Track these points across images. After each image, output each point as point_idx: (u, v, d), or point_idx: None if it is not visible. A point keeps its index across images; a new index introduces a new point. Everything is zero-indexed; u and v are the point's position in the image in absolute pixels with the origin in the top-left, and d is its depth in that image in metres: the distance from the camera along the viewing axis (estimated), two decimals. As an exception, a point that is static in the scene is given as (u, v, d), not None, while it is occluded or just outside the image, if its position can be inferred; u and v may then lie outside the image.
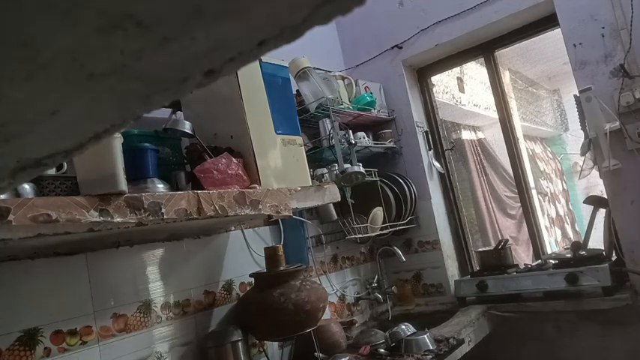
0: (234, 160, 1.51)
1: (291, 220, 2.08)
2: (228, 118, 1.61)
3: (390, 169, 2.66)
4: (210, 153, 1.52)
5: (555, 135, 5.74)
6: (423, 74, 2.81)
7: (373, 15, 2.69)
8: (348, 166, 2.12)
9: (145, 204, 1.15)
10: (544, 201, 4.76)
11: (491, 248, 2.55)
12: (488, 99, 2.82)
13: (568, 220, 5.36)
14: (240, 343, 1.64)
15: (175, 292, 1.66)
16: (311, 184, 1.76)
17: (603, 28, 2.06)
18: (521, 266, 2.48)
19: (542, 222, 3.00)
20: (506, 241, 2.55)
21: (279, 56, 1.80)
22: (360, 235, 2.29)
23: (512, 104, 3.01)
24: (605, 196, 2.17)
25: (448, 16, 2.48)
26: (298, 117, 1.87)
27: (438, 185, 2.73)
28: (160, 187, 1.34)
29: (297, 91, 2.18)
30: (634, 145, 2.00)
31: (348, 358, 1.83)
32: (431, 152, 2.69)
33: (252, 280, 1.83)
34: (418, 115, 2.73)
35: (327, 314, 2.16)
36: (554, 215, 5.02)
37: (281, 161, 1.66)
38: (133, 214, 1.12)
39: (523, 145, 3.20)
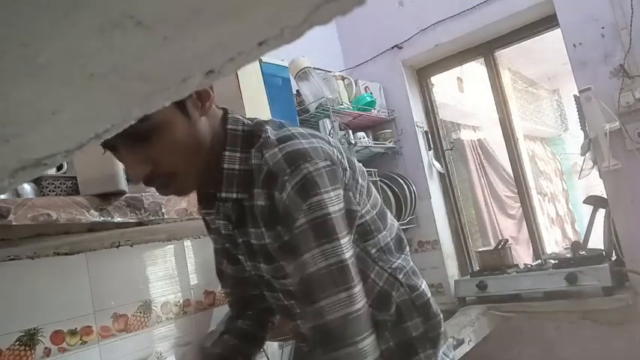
0: (234, 160, 1.51)
1: (291, 220, 2.08)
2: (228, 118, 1.61)
3: (390, 169, 2.66)
4: (210, 153, 1.52)
5: (555, 135, 5.74)
6: (423, 74, 2.81)
7: (373, 15, 2.69)
8: (348, 166, 2.12)
9: (145, 204, 1.15)
10: (544, 201, 4.76)
11: (492, 248, 2.55)
12: (489, 99, 2.82)
13: (568, 220, 5.36)
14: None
15: (175, 292, 1.66)
16: (311, 184, 1.76)
17: (603, 28, 2.06)
18: (521, 266, 2.48)
19: (542, 222, 3.01)
20: (506, 241, 2.55)
21: (279, 56, 1.80)
22: (360, 235, 2.28)
23: (512, 104, 3.01)
24: (605, 196, 2.17)
25: (448, 16, 2.48)
26: (298, 117, 1.87)
27: (437, 185, 2.73)
28: (160, 187, 1.34)
29: (297, 91, 2.18)
30: (634, 145, 2.00)
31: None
32: (431, 152, 2.69)
33: (252, 280, 1.83)
34: (418, 115, 2.73)
35: (327, 314, 2.15)
36: (554, 215, 5.01)
37: (281, 161, 1.66)
38: (133, 214, 1.12)
39: (523, 145, 3.20)
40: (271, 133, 0.82)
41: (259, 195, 0.80)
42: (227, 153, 0.81)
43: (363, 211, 0.86)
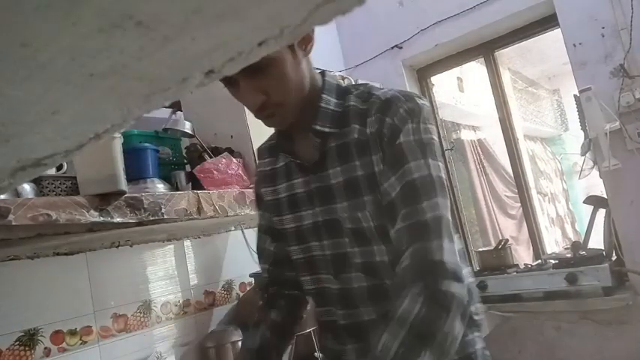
0: (234, 160, 1.51)
1: (291, 220, 2.08)
2: (228, 118, 1.61)
3: (390, 169, 2.65)
4: (210, 153, 1.52)
5: (555, 135, 5.74)
6: (423, 74, 2.81)
7: (373, 15, 2.69)
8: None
9: (145, 204, 1.15)
10: (544, 201, 4.76)
11: (491, 248, 2.55)
12: (489, 99, 2.82)
13: (568, 220, 5.36)
14: (240, 343, 1.64)
15: (175, 292, 1.66)
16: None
17: (603, 28, 2.06)
18: (521, 266, 2.48)
19: (543, 222, 3.01)
20: (506, 241, 2.55)
21: (279, 56, 1.80)
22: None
23: (512, 104, 3.01)
24: (605, 196, 2.17)
25: (448, 16, 2.48)
26: (298, 117, 1.87)
27: (438, 185, 2.73)
28: (160, 187, 1.34)
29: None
30: (634, 145, 2.00)
31: (348, 358, 1.83)
32: (431, 152, 2.69)
33: (252, 280, 1.83)
34: (418, 115, 2.72)
35: (327, 314, 2.15)
36: (554, 215, 5.01)
37: (281, 161, 1.66)
38: (133, 214, 1.12)
39: (523, 145, 3.20)
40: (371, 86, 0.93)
41: (353, 130, 0.88)
42: (324, 95, 0.90)
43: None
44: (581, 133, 2.20)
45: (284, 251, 1.03)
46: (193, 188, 1.42)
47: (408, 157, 0.82)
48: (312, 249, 0.95)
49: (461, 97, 3.75)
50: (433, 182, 0.81)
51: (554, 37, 2.39)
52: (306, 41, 0.85)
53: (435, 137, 0.87)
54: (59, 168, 1.15)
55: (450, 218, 0.82)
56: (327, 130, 0.89)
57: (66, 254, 1.39)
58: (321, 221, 0.92)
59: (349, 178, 0.88)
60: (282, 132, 0.97)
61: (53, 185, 1.11)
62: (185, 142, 1.61)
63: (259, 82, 0.81)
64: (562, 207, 5.36)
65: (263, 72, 0.80)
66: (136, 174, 1.28)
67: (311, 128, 0.89)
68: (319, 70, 0.94)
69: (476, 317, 0.95)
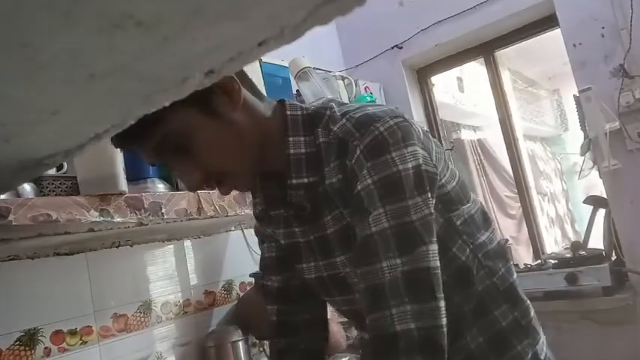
0: (234, 160, 1.51)
1: (291, 220, 2.08)
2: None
3: (390, 169, 2.65)
4: (210, 153, 1.51)
5: (555, 135, 5.74)
6: (423, 74, 2.81)
7: (373, 15, 2.69)
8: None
9: (145, 204, 1.15)
10: (544, 201, 4.75)
11: (491, 248, 2.54)
12: (489, 99, 2.82)
13: (568, 220, 5.35)
14: (240, 343, 1.64)
15: (175, 292, 1.66)
16: (311, 184, 1.76)
17: (603, 28, 2.06)
18: (521, 266, 2.48)
19: (542, 222, 3.01)
20: (506, 241, 2.54)
21: (279, 56, 1.80)
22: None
23: (512, 104, 3.01)
24: (605, 196, 2.16)
25: (448, 16, 2.48)
26: (298, 117, 1.86)
27: (438, 185, 2.72)
28: (161, 187, 1.34)
29: (297, 91, 2.17)
30: (634, 145, 2.00)
31: (348, 358, 1.83)
32: (431, 152, 2.69)
33: (252, 280, 1.83)
34: (418, 115, 2.73)
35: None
36: (554, 215, 5.01)
37: (281, 161, 1.66)
38: (134, 214, 1.12)
39: (523, 145, 3.20)
40: (336, 108, 0.78)
41: (331, 172, 0.76)
42: (291, 139, 0.77)
43: (443, 180, 0.78)
44: (581, 133, 2.20)
45: (289, 280, 0.94)
46: (193, 188, 1.42)
47: (368, 208, 0.70)
48: (329, 302, 0.92)
49: (461, 97, 3.74)
50: (396, 234, 0.68)
51: (554, 37, 2.39)
52: (230, 92, 0.71)
53: (413, 162, 0.71)
54: (59, 168, 1.15)
55: (432, 265, 0.68)
56: (306, 180, 0.77)
57: (66, 254, 1.39)
58: (325, 276, 0.84)
59: (340, 228, 0.78)
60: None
61: (53, 185, 1.11)
62: (185, 142, 1.60)
63: (187, 160, 0.71)
64: (562, 207, 5.35)
65: (184, 152, 0.70)
66: (136, 174, 1.28)
67: (287, 184, 0.78)
68: (275, 102, 0.81)
69: (523, 322, 0.84)
